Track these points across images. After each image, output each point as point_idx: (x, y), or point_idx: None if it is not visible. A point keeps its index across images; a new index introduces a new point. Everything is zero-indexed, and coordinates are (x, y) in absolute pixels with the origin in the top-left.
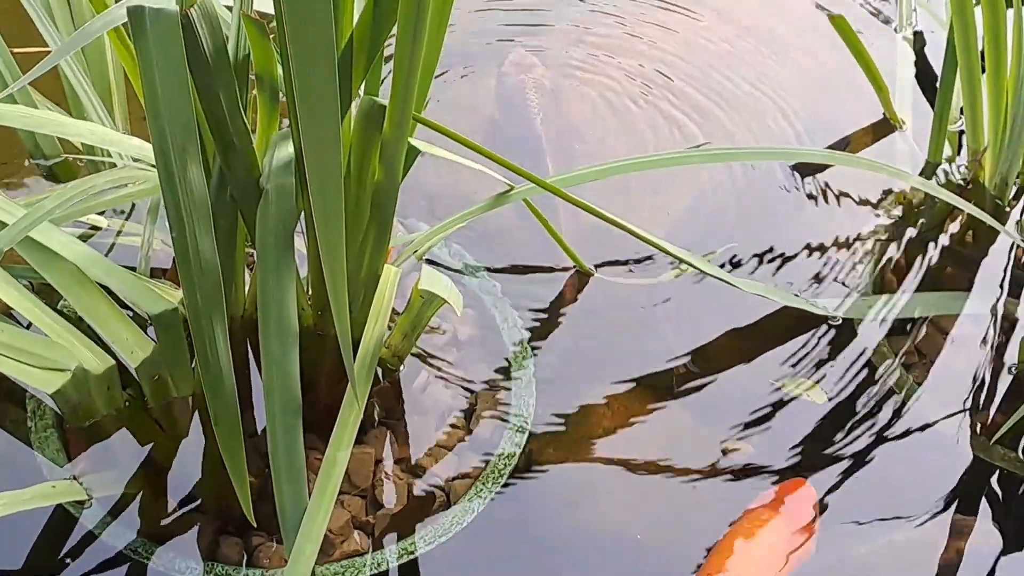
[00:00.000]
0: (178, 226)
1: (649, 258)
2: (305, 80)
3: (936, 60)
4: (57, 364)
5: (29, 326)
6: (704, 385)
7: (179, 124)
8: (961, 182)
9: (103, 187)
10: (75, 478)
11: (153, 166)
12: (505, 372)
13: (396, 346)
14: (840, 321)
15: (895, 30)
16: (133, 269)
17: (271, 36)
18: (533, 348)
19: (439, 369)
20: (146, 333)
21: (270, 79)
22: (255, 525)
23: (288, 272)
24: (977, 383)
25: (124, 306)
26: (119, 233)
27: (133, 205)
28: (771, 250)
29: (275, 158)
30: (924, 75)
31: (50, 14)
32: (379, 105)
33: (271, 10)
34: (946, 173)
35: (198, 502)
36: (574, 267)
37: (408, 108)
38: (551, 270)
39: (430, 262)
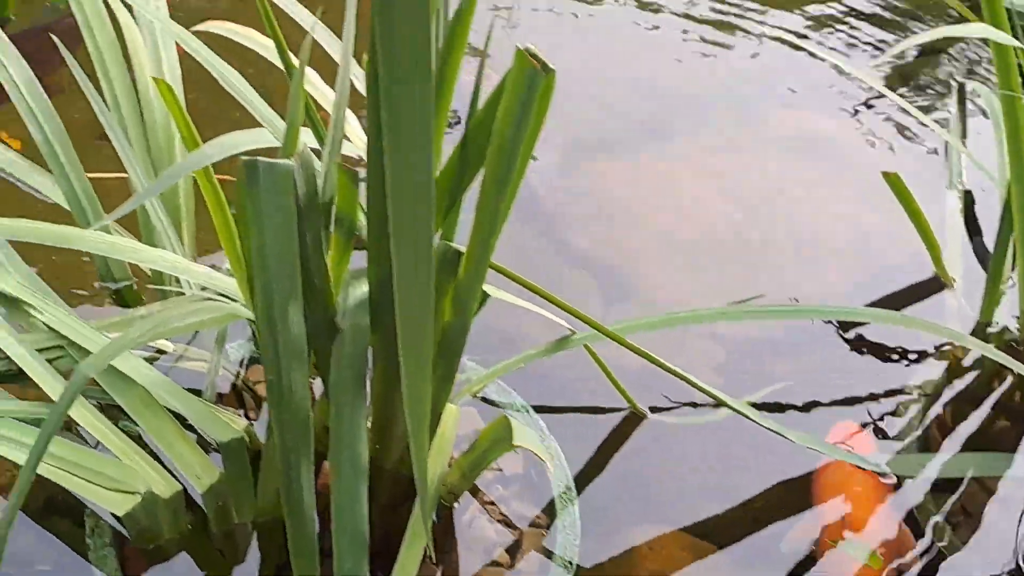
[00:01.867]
0: (274, 369)
1: (699, 403)
2: (401, 225)
3: (985, 218)
4: (127, 486)
5: (97, 445)
6: (748, 533)
7: (285, 272)
8: (1012, 342)
9: (180, 316)
10: None
11: (221, 295)
12: (550, 511)
13: (453, 484)
14: (893, 479)
15: (946, 187)
16: (197, 393)
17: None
18: (579, 487)
19: (485, 505)
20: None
21: (349, 221)
22: None
23: (360, 409)
24: (1021, 544)
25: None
26: (180, 358)
27: (196, 331)
28: (817, 400)
29: (350, 297)
30: (973, 232)
31: (127, 137)
32: (455, 251)
33: (351, 152)
34: (994, 333)
35: None
36: (627, 408)
37: (487, 255)
38: (601, 410)
39: (483, 399)
